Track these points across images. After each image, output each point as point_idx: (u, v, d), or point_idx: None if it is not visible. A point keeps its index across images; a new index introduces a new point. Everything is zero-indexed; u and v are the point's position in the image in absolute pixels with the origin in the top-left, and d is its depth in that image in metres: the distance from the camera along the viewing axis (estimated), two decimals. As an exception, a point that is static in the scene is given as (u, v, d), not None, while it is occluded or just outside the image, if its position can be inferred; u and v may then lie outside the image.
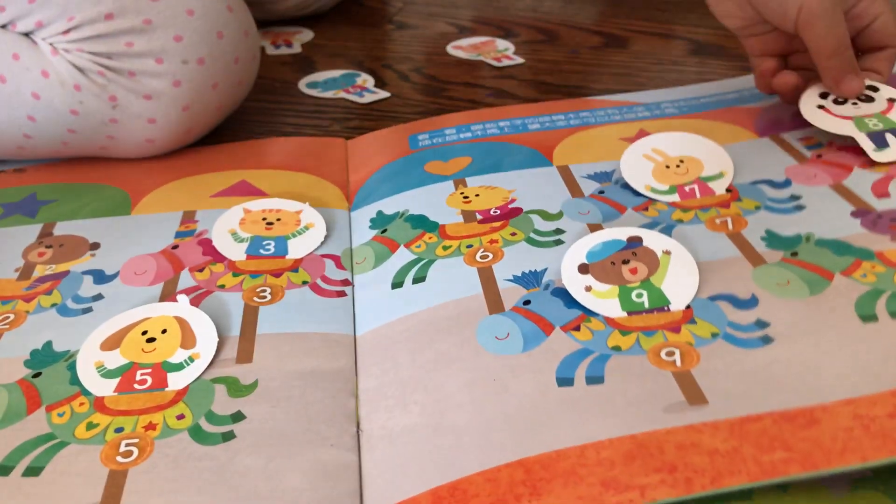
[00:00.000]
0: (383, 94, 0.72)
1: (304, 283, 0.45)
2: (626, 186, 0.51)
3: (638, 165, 0.52)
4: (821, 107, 0.53)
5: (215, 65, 0.55)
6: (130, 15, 0.52)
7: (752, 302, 0.40)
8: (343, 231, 0.50)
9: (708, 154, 0.52)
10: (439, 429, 0.35)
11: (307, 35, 0.87)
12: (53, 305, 0.43)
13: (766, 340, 0.37)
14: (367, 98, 0.71)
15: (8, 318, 0.43)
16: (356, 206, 0.53)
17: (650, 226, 0.47)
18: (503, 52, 0.82)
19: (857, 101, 0.52)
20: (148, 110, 0.54)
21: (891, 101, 0.52)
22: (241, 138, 0.62)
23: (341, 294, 0.45)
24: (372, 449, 0.35)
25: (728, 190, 0.49)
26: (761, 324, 0.38)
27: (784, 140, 0.55)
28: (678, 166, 0.52)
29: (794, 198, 0.48)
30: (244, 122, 0.65)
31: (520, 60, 0.79)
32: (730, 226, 0.46)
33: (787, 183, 0.50)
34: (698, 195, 0.49)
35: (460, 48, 0.83)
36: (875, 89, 0.53)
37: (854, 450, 0.31)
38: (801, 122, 0.56)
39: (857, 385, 0.34)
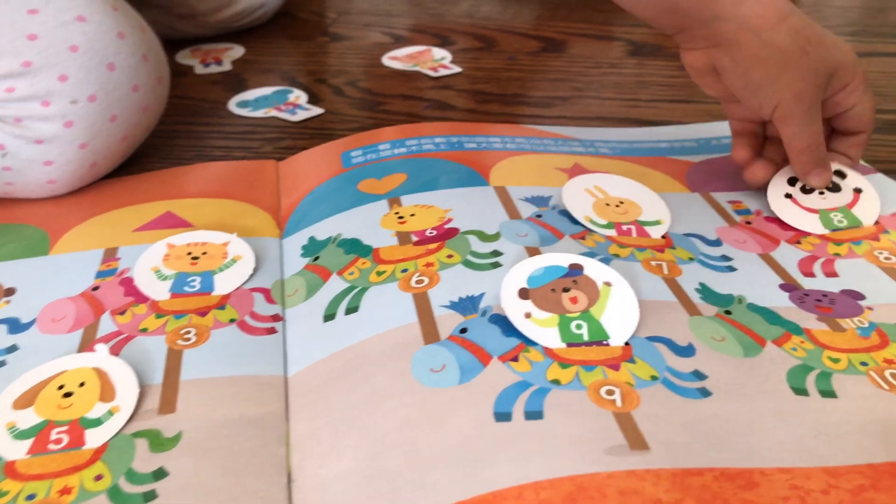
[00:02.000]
0: (317, 110, 0.70)
1: (232, 321, 0.43)
2: (564, 213, 0.50)
3: (579, 197, 0.51)
4: (788, 195, 0.52)
5: (110, 98, 0.53)
6: (8, 58, 0.49)
7: (689, 350, 0.39)
8: (274, 261, 0.48)
9: (647, 201, 0.52)
10: (373, 474, 0.33)
11: (238, 51, 0.85)
12: (-36, 360, 0.41)
13: (705, 393, 0.37)
14: (300, 115, 0.69)
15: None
16: (288, 233, 0.51)
17: (588, 255, 0.46)
18: (440, 61, 0.80)
19: (824, 189, 0.52)
20: (42, 154, 0.51)
21: (857, 191, 0.52)
22: (168, 165, 0.60)
23: (272, 331, 0.43)
24: (304, 500, 0.33)
25: (663, 237, 0.49)
26: (699, 375, 0.38)
27: (714, 200, 0.55)
28: (618, 206, 0.51)
29: (726, 258, 0.48)
30: (170, 147, 0.63)
31: (457, 69, 0.78)
32: (665, 270, 0.45)
33: (717, 242, 0.49)
34: (635, 235, 0.49)
35: (396, 59, 0.82)
36: (843, 175, 0.53)
37: (792, 521, 0.31)
38: (731, 185, 0.56)
39: (792, 456, 0.33)
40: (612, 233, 0.48)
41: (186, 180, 0.57)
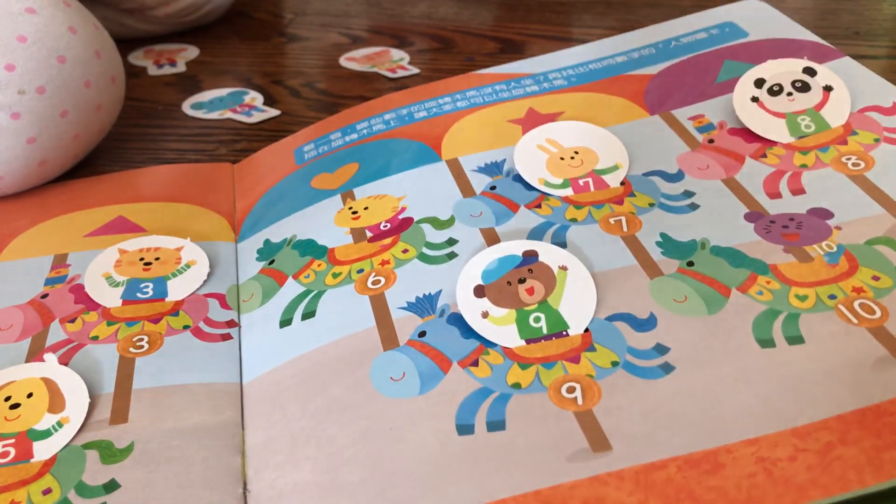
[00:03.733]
0: (273, 111, 0.69)
1: (186, 327, 0.42)
2: (518, 179, 0.49)
3: (531, 157, 0.50)
4: (755, 98, 0.51)
5: (60, 92, 0.51)
6: None
7: (650, 322, 0.38)
8: (229, 266, 0.47)
9: (603, 145, 0.51)
10: (332, 487, 0.33)
11: (192, 52, 0.83)
12: None
13: (667, 369, 0.36)
14: (256, 117, 0.68)
15: None
16: (243, 237, 0.50)
17: (545, 226, 0.45)
18: (398, 62, 0.80)
19: (792, 89, 0.51)
20: None
21: (826, 89, 0.51)
22: (120, 168, 0.59)
23: (227, 337, 0.42)
24: (260, 512, 0.33)
25: (621, 183, 0.48)
26: (661, 349, 0.37)
27: (675, 119, 0.53)
28: (572, 158, 0.50)
29: (688, 194, 0.46)
30: (122, 150, 0.62)
31: (415, 70, 0.78)
32: (624, 227, 0.44)
33: (679, 175, 0.48)
34: (592, 189, 0.48)
35: (354, 60, 0.81)
36: (812, 72, 0.52)
37: (758, 499, 0.30)
38: (692, 96, 0.55)
39: (759, 422, 0.33)
40: (569, 192, 0.48)
41: (139, 184, 0.56)
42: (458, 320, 0.40)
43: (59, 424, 0.36)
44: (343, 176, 0.53)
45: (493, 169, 0.51)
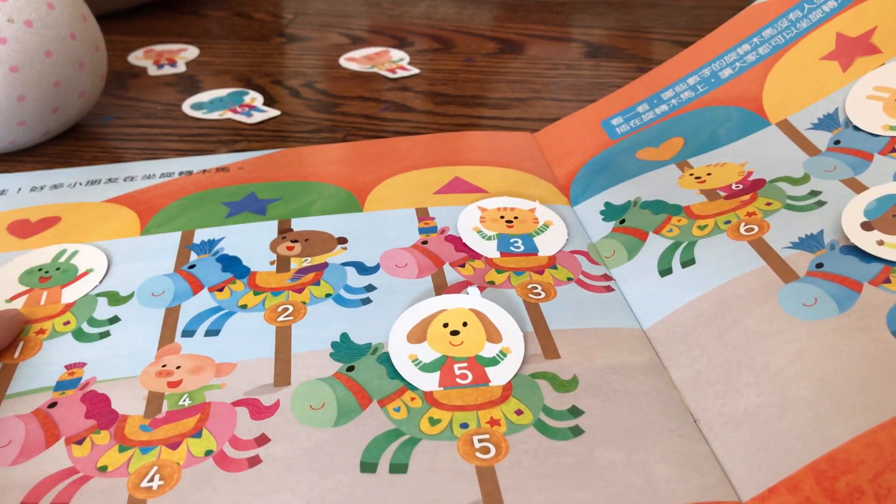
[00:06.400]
0: (273, 112, 0.70)
1: (569, 279, 0.45)
2: (860, 129, 0.47)
3: (865, 109, 0.48)
4: None
5: (47, 32, 0.55)
6: None
7: None
8: (574, 226, 0.50)
9: None
10: (786, 405, 0.35)
11: (192, 52, 0.85)
12: (328, 296, 0.43)
13: None
14: (256, 117, 0.69)
15: (287, 309, 0.42)
16: (576, 201, 0.53)
17: None
18: (398, 62, 0.81)
19: None
20: None
21: None
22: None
23: (608, 289, 0.44)
24: (717, 437, 0.35)
25: None
26: None
27: None
28: None
29: None
30: (123, 150, 0.63)
31: (415, 71, 0.79)
32: None
33: None
34: None
35: (354, 60, 0.82)
36: None
37: None
38: None
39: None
40: None
41: (455, 147, 0.59)
42: (852, 250, 0.40)
43: (503, 354, 0.39)
44: (670, 150, 0.55)
45: (828, 123, 0.49)
